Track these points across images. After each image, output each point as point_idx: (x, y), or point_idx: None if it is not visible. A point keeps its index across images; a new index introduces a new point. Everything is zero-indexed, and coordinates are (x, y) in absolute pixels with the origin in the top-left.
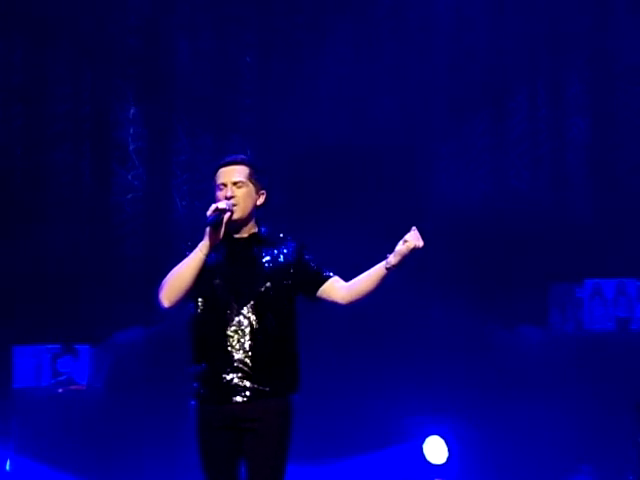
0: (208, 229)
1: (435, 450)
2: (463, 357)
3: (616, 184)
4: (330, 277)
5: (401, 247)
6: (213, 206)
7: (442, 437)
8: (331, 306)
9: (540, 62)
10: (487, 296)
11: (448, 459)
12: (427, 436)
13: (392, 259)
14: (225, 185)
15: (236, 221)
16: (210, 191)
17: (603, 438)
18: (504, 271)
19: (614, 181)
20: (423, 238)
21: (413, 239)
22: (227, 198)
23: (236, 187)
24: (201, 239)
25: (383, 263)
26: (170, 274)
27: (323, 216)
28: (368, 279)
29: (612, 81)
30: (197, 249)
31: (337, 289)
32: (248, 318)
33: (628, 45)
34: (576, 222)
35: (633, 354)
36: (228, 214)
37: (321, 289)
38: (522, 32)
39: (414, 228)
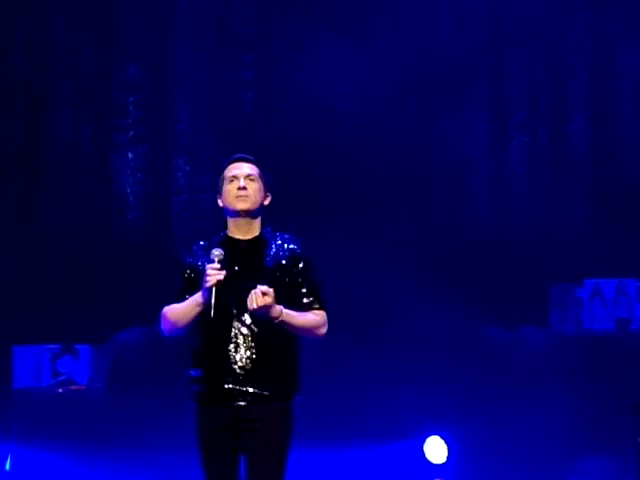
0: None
1: (435, 450)
2: (463, 357)
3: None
4: (306, 306)
5: None
6: (208, 282)
7: (442, 437)
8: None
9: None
10: (487, 296)
11: (448, 459)
12: (427, 436)
13: None
14: (236, 177)
15: (246, 212)
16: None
17: (603, 438)
18: (504, 271)
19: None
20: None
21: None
22: (239, 188)
23: (249, 179)
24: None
25: None
26: (169, 312)
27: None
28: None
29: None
30: (194, 301)
31: None
32: (248, 322)
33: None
34: (576, 222)
35: (633, 354)
36: (221, 278)
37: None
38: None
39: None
